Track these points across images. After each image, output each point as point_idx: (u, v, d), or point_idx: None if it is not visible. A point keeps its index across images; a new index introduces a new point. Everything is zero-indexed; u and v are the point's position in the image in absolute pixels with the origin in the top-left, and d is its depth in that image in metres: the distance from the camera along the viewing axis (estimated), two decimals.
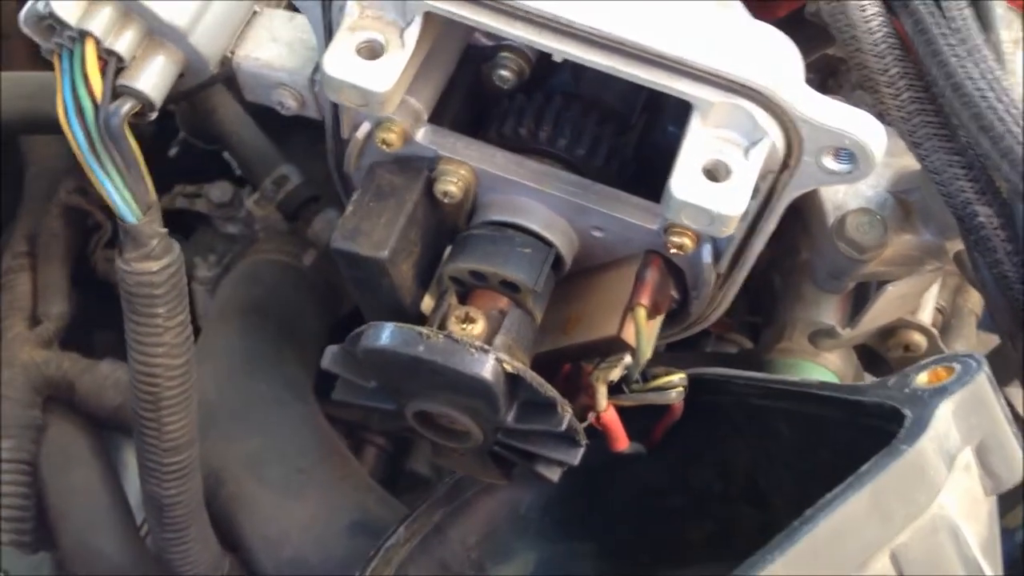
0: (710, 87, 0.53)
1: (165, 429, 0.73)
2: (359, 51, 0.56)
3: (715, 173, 0.54)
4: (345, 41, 0.56)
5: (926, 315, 0.75)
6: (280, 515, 0.87)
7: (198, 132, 1.18)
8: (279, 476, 0.88)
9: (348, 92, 0.56)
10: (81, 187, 1.24)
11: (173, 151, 1.27)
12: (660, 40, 0.53)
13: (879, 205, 0.70)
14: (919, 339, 0.74)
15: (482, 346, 0.58)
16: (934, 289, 0.76)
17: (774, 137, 0.54)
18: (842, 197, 0.71)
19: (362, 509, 0.87)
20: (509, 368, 0.58)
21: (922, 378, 0.52)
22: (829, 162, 0.54)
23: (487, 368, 0.58)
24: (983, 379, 0.50)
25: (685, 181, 0.54)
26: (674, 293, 0.70)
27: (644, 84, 0.54)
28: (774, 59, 0.55)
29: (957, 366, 0.51)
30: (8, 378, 1.04)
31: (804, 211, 0.73)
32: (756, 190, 0.57)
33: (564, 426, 0.60)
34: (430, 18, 0.56)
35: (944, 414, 0.48)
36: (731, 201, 0.53)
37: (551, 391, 0.60)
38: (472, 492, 0.74)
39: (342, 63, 0.55)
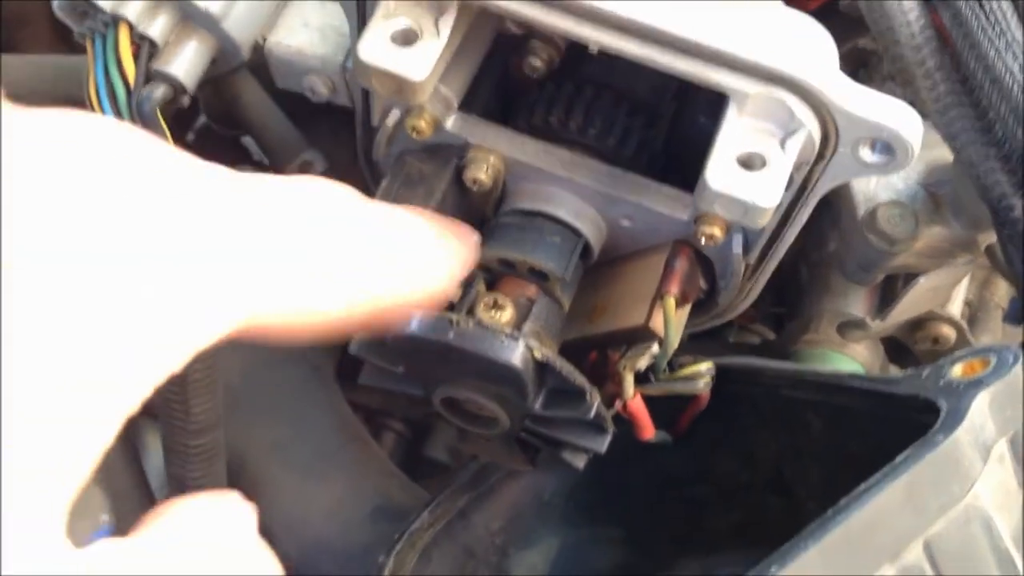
0: (747, 78, 0.53)
1: (191, 411, 0.74)
2: (394, 38, 0.56)
3: (750, 164, 0.54)
4: (380, 28, 0.56)
5: (955, 308, 0.75)
6: (303, 499, 0.88)
7: (222, 118, 1.19)
8: (302, 461, 0.89)
9: (382, 79, 0.56)
10: None
11: (190, 137, 1.27)
12: (697, 31, 0.53)
13: (910, 198, 0.70)
14: (948, 332, 0.74)
15: (512, 333, 0.58)
16: (964, 282, 0.76)
17: (811, 128, 0.54)
18: (873, 189, 0.71)
19: (384, 495, 0.88)
20: (538, 355, 0.58)
21: (957, 370, 0.52)
22: (866, 154, 0.54)
23: (517, 355, 0.58)
24: (1019, 371, 0.50)
25: (721, 171, 0.54)
26: (702, 283, 0.70)
27: (680, 75, 0.54)
28: (811, 49, 0.55)
29: (993, 358, 0.51)
30: None
31: (834, 203, 0.74)
32: (791, 181, 0.57)
33: (592, 414, 0.60)
34: (465, 7, 0.56)
35: (980, 406, 0.48)
36: (767, 192, 0.53)
37: (580, 378, 0.60)
38: (496, 478, 0.74)
39: (377, 50, 0.55)
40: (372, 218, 0.44)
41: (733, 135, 0.54)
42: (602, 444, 0.63)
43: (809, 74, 0.52)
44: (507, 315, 0.63)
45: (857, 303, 0.74)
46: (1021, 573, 0.50)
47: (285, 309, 0.38)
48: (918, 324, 0.74)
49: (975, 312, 0.84)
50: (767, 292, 0.93)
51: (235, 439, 0.92)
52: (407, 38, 0.56)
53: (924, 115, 0.60)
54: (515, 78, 0.72)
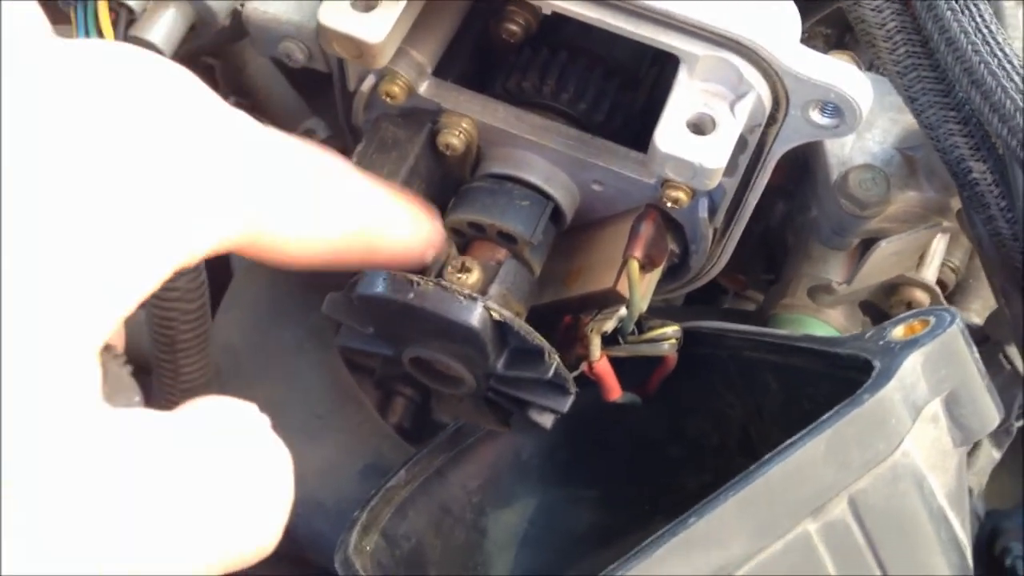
0: (696, 40, 0.54)
1: (181, 371, 0.76)
2: (354, 4, 0.57)
3: (701, 126, 0.55)
4: None
5: (930, 272, 0.75)
6: (297, 458, 0.89)
7: (233, 87, 1.21)
8: (297, 421, 0.91)
9: (342, 43, 0.57)
10: None
11: None
12: None
13: (884, 161, 0.70)
14: (922, 296, 0.74)
15: (470, 294, 0.60)
16: (940, 246, 0.76)
17: (760, 91, 0.54)
18: (848, 153, 0.71)
19: (376, 454, 0.90)
20: (496, 316, 0.60)
21: (898, 331, 0.52)
22: (816, 116, 0.55)
23: (475, 315, 0.59)
24: (955, 332, 0.50)
25: (670, 134, 0.55)
26: (674, 247, 0.71)
27: (631, 37, 0.55)
28: (764, 14, 0.55)
29: (932, 319, 0.51)
30: None
31: (811, 167, 0.74)
32: (745, 144, 0.58)
33: (551, 373, 0.61)
34: None
35: (911, 365, 0.49)
36: (714, 154, 0.54)
37: (538, 339, 0.61)
38: (474, 438, 0.76)
39: (337, 14, 0.57)
40: (357, 178, 0.49)
41: (684, 98, 0.55)
42: (564, 404, 0.64)
43: (757, 37, 0.53)
44: (474, 277, 0.64)
45: (835, 268, 0.75)
46: (957, 531, 0.51)
47: (276, 231, 0.42)
48: (892, 289, 0.74)
49: (964, 279, 0.84)
50: (758, 259, 0.94)
51: (236, 397, 0.95)
52: (367, 3, 0.58)
53: (888, 77, 0.60)
54: (494, 43, 0.73)
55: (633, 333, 0.69)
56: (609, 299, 0.68)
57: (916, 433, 0.49)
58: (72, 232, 0.35)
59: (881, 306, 0.76)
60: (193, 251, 0.39)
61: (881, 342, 0.52)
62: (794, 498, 0.46)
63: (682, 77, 0.55)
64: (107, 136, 0.36)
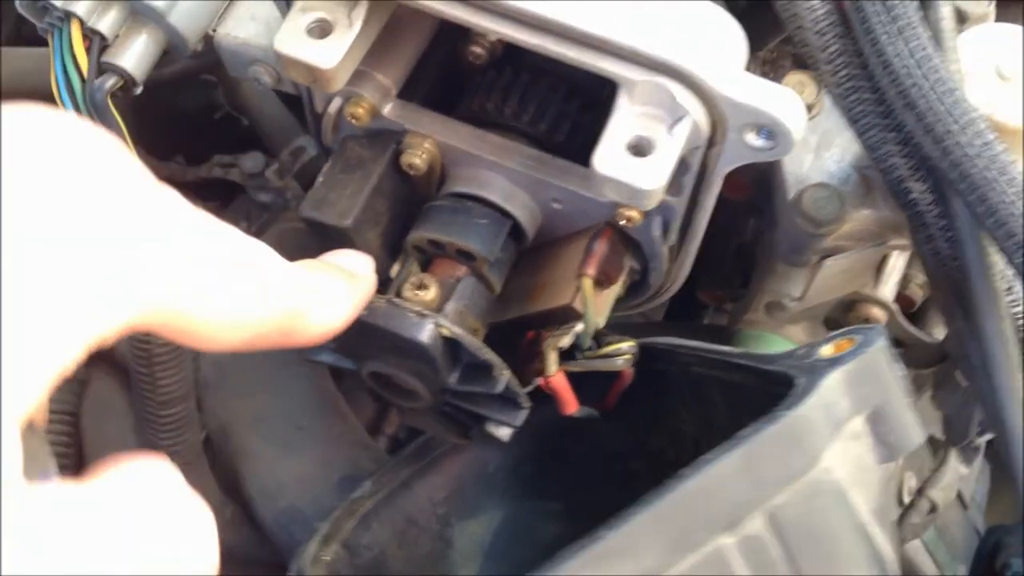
0: (633, 66, 0.55)
1: (158, 384, 0.79)
2: (310, 30, 0.59)
3: (640, 149, 0.56)
4: (296, 20, 0.59)
5: (887, 290, 0.75)
6: (278, 468, 0.92)
7: (231, 103, 1.24)
8: (279, 432, 0.93)
9: (297, 68, 0.59)
10: None
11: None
12: (584, 20, 0.55)
13: (841, 180, 0.71)
14: (878, 313, 0.75)
15: (421, 311, 0.62)
16: (899, 264, 0.77)
17: (696, 115, 0.55)
18: (805, 171, 0.72)
19: (355, 465, 0.92)
20: (446, 332, 0.61)
21: (826, 349, 0.53)
22: (752, 139, 0.56)
23: (424, 332, 0.61)
24: (878, 350, 0.51)
25: (608, 156, 0.56)
26: (634, 265, 0.72)
27: (572, 63, 0.57)
28: (703, 39, 0.57)
29: (859, 338, 0.53)
30: None
31: (772, 185, 0.75)
32: (687, 165, 0.59)
33: (500, 388, 0.63)
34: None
35: (832, 383, 0.50)
36: (651, 176, 0.55)
37: (488, 354, 0.63)
38: (440, 451, 0.77)
39: (292, 40, 0.59)
40: (278, 265, 0.48)
41: (623, 121, 0.56)
42: (516, 418, 0.66)
43: (691, 64, 0.54)
44: (431, 294, 0.66)
45: (796, 285, 0.75)
46: (880, 547, 0.52)
47: (192, 314, 0.41)
48: (850, 306, 0.75)
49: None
50: (736, 275, 0.95)
51: (221, 410, 0.98)
52: (323, 30, 0.60)
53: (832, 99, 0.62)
54: (462, 66, 0.75)
55: (591, 348, 0.70)
56: (567, 315, 0.69)
57: (838, 450, 0.50)
58: None
59: (841, 323, 0.77)
60: (103, 330, 0.37)
61: (808, 360, 0.53)
62: (709, 513, 0.47)
63: (622, 101, 0.56)
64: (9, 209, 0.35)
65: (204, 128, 1.36)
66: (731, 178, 0.82)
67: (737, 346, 0.78)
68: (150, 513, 0.39)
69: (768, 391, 0.54)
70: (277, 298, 0.47)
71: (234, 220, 1.25)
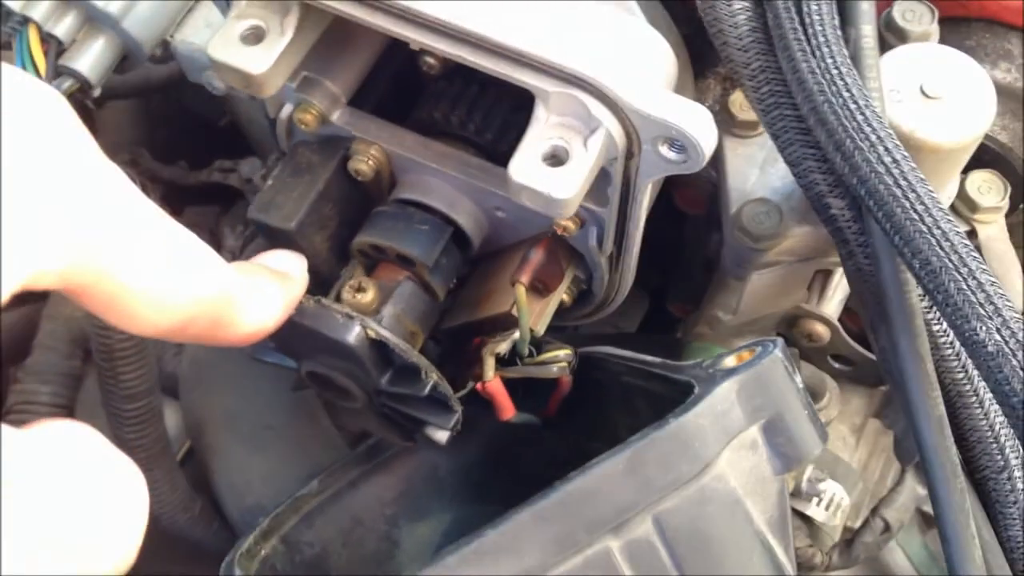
0: (547, 77, 0.56)
1: (120, 378, 0.81)
2: (244, 37, 0.61)
3: (556, 157, 0.57)
4: (230, 27, 0.61)
5: (831, 306, 0.75)
6: (245, 466, 0.94)
7: (225, 107, 1.27)
8: (249, 431, 0.95)
9: (230, 74, 0.61)
10: (134, 158, 1.35)
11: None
12: (500, 33, 0.56)
13: (785, 196, 0.71)
14: (821, 330, 0.75)
15: (349, 312, 0.63)
16: (841, 282, 0.77)
17: (610, 126, 0.56)
18: (750, 187, 0.72)
19: (321, 466, 0.93)
20: (372, 334, 0.63)
21: (730, 360, 0.54)
22: (666, 151, 0.57)
23: (351, 334, 0.62)
24: (772, 361, 0.52)
25: (524, 165, 0.57)
26: (580, 274, 0.73)
27: (489, 73, 0.58)
28: (622, 55, 0.58)
29: (758, 349, 0.53)
30: (50, 330, 1.15)
31: (719, 200, 0.75)
32: (608, 176, 0.60)
33: (427, 390, 0.64)
34: (311, 7, 0.61)
35: (723, 392, 0.50)
36: (564, 185, 0.57)
37: (415, 357, 0.64)
38: (390, 453, 0.79)
39: (224, 47, 0.61)
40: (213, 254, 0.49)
41: (539, 131, 0.58)
42: (448, 421, 0.67)
43: (602, 76, 0.55)
44: (368, 297, 0.67)
45: (735, 299, 0.76)
46: (779, 556, 0.52)
47: (120, 279, 0.43)
48: (793, 321, 0.75)
49: None
50: (704, 288, 0.95)
51: (196, 407, 1.00)
52: (257, 36, 0.62)
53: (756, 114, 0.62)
54: (418, 75, 0.77)
55: (531, 355, 0.71)
56: (506, 322, 0.71)
57: (731, 459, 0.51)
58: None
59: (787, 338, 0.77)
60: (27, 273, 0.39)
61: (711, 370, 0.53)
62: (593, 513, 0.48)
63: (539, 112, 0.57)
64: None
65: (210, 134, 1.40)
66: (686, 192, 0.83)
67: (686, 358, 0.79)
68: (87, 456, 0.41)
69: (679, 399, 0.54)
70: (205, 286, 0.48)
71: (232, 225, 1.28)
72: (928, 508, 1.03)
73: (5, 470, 0.37)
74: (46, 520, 0.38)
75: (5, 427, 0.39)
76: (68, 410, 1.14)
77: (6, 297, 0.39)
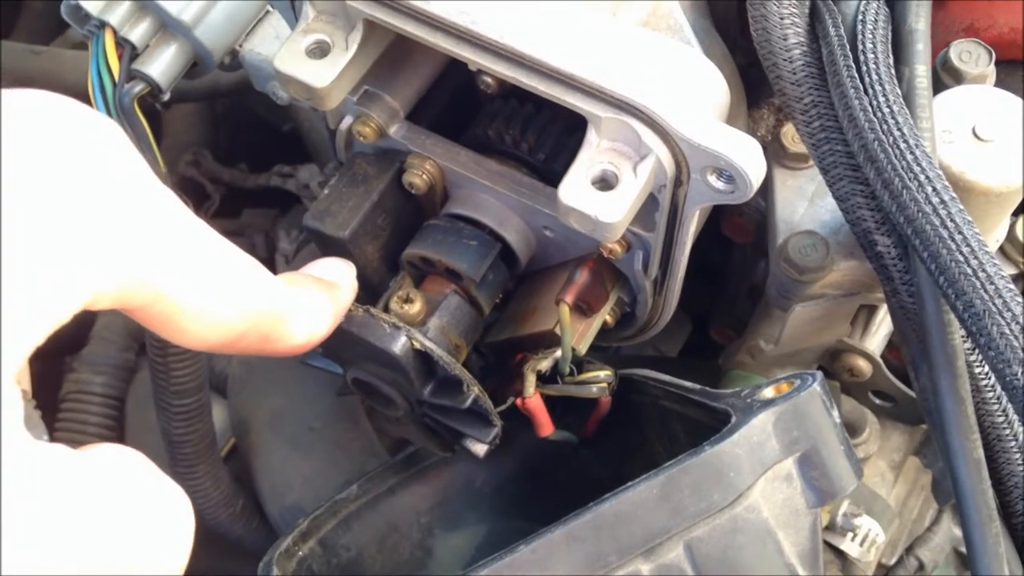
0: (600, 103, 0.57)
1: (172, 375, 0.83)
2: (310, 51, 0.63)
3: (605, 181, 0.59)
4: (296, 41, 0.63)
5: (874, 342, 0.75)
6: (288, 467, 0.96)
7: (289, 114, 1.30)
8: (292, 432, 0.97)
9: (294, 85, 0.63)
10: (197, 160, 1.39)
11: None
12: (556, 57, 0.57)
13: (833, 230, 0.71)
14: (863, 365, 0.75)
15: (396, 323, 0.64)
16: (887, 318, 0.77)
17: (660, 154, 0.57)
18: (798, 219, 0.73)
19: (361, 470, 0.95)
20: (418, 345, 0.64)
21: (768, 391, 0.54)
22: (714, 181, 0.57)
23: (397, 344, 0.64)
24: (811, 395, 0.52)
25: (573, 187, 0.58)
26: (624, 296, 0.74)
27: (544, 96, 0.59)
28: (676, 84, 0.58)
29: (796, 381, 0.54)
30: (107, 322, 1.18)
31: (767, 229, 0.76)
32: (656, 202, 0.61)
33: (468, 403, 0.65)
34: (375, 25, 0.63)
35: (760, 423, 0.51)
36: (612, 209, 0.57)
37: (458, 369, 0.65)
38: (429, 463, 0.80)
39: (290, 60, 0.63)
40: (263, 271, 0.51)
41: (590, 155, 0.59)
42: (487, 435, 0.68)
43: (654, 104, 0.56)
44: (415, 308, 0.69)
45: (777, 329, 0.76)
46: None
47: (175, 299, 0.45)
48: (836, 355, 0.75)
49: None
50: (747, 315, 0.96)
51: (243, 407, 1.02)
52: (322, 50, 0.63)
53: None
54: (476, 94, 0.78)
55: (572, 374, 0.72)
56: (549, 340, 0.72)
57: (765, 490, 0.51)
58: None
59: (829, 371, 0.77)
60: (91, 294, 0.41)
61: (749, 399, 0.54)
62: (624, 536, 0.49)
63: (590, 136, 0.58)
64: (10, 183, 0.39)
65: (271, 139, 1.43)
66: (734, 221, 0.84)
67: (725, 386, 0.79)
68: (137, 481, 0.43)
69: (715, 427, 0.55)
70: (255, 302, 0.50)
71: (287, 228, 1.31)
72: (964, 549, 1.02)
73: (59, 491, 0.39)
74: (96, 542, 0.40)
75: (61, 447, 0.41)
76: (120, 401, 1.17)
77: (67, 319, 0.41)
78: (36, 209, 0.40)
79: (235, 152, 1.44)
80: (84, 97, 0.76)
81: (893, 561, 0.82)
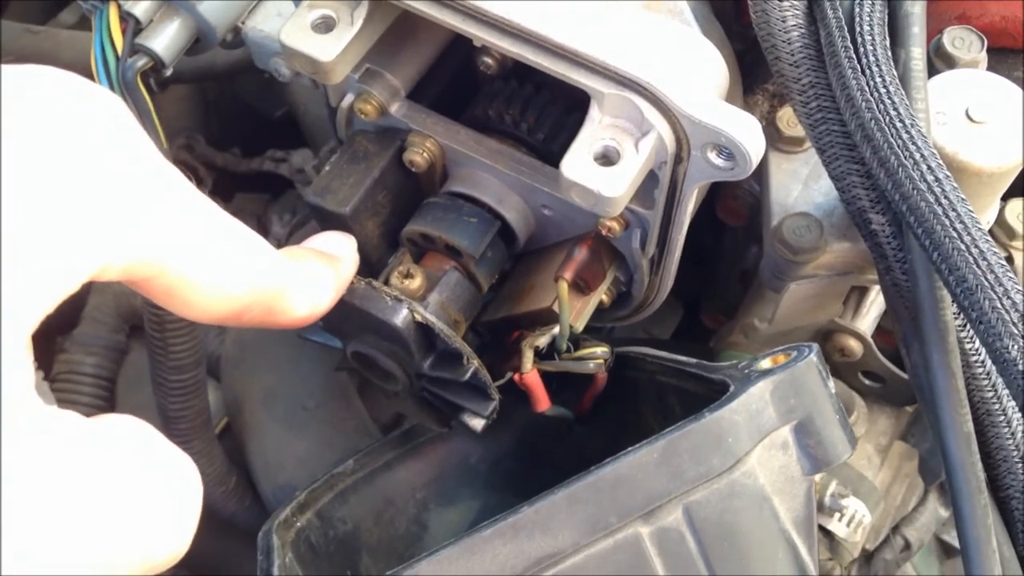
0: (603, 79, 0.59)
1: (170, 350, 0.84)
2: (315, 26, 0.64)
3: (606, 157, 0.60)
4: (302, 15, 0.64)
5: (865, 323, 0.77)
6: (281, 446, 0.97)
7: (285, 100, 1.31)
8: (285, 411, 0.98)
9: (300, 59, 0.64)
10: (190, 144, 1.39)
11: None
12: (561, 34, 0.58)
13: (826, 212, 0.72)
14: (854, 345, 0.76)
15: (398, 296, 0.65)
16: (880, 299, 0.78)
17: (661, 130, 0.58)
18: (792, 201, 0.74)
19: (353, 450, 0.95)
20: (419, 318, 0.65)
21: (765, 362, 0.56)
22: (714, 158, 0.58)
23: (399, 316, 0.65)
24: (807, 364, 0.53)
25: (576, 162, 0.59)
26: (620, 276, 0.75)
27: (548, 72, 0.60)
28: (677, 63, 0.60)
29: (793, 353, 0.55)
30: (98, 303, 1.18)
31: (762, 212, 0.77)
32: (656, 179, 0.62)
33: (468, 376, 0.66)
34: (380, 1, 0.64)
35: (758, 391, 0.52)
36: (614, 184, 0.59)
37: (458, 343, 0.66)
38: (425, 439, 0.81)
39: (295, 34, 0.63)
40: (268, 247, 0.52)
41: (593, 130, 0.60)
42: (486, 408, 0.69)
43: (657, 81, 0.57)
44: (416, 283, 0.70)
45: (771, 309, 0.77)
46: (802, 555, 0.54)
47: (183, 272, 0.45)
48: (827, 335, 0.77)
49: None
50: (738, 300, 0.97)
51: (236, 386, 1.03)
52: (327, 25, 0.64)
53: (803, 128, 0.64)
54: (475, 74, 0.79)
55: (569, 351, 0.73)
56: (547, 317, 0.73)
57: (762, 456, 0.52)
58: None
59: (821, 350, 0.78)
60: (99, 265, 0.41)
61: (747, 371, 0.55)
62: (624, 499, 0.50)
63: (593, 112, 0.60)
64: (13, 153, 0.40)
65: (262, 125, 1.43)
66: (728, 204, 0.85)
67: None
68: (149, 450, 0.43)
69: (713, 398, 0.56)
70: (260, 276, 0.51)
71: (280, 213, 1.32)
72: (947, 537, 1.04)
73: (74, 457, 0.39)
74: (109, 510, 0.40)
75: (74, 414, 0.41)
76: (111, 382, 1.17)
77: (76, 288, 0.41)
78: (49, 181, 0.40)
79: (226, 138, 1.44)
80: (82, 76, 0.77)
81: (875, 546, 0.84)
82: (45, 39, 1.13)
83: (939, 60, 0.69)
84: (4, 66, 0.43)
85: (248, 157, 1.37)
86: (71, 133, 0.42)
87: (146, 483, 0.42)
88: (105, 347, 1.19)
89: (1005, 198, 0.71)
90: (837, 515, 0.86)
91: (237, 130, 1.46)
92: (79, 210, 0.41)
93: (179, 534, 0.43)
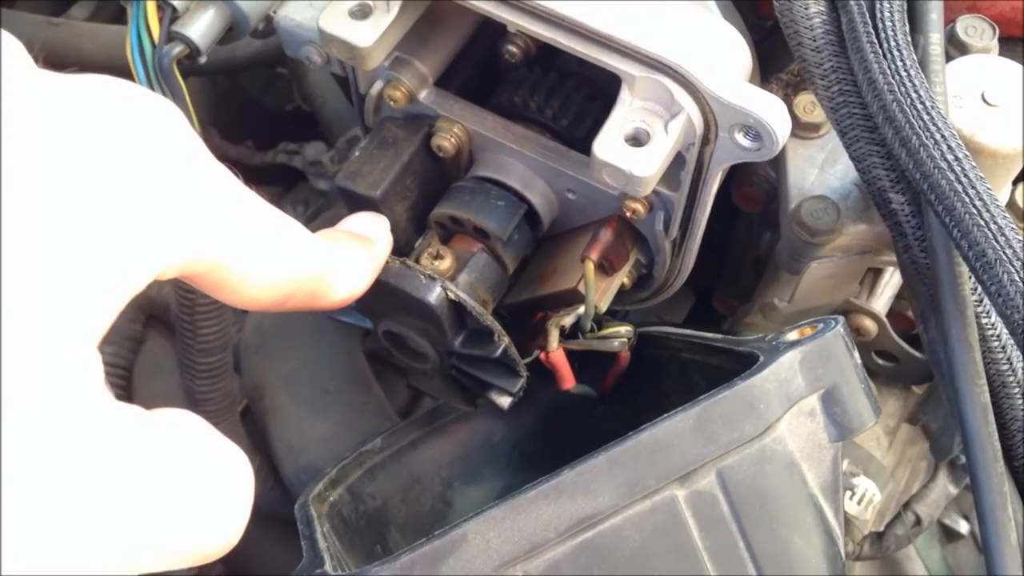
0: (634, 62, 0.61)
1: (199, 333, 0.86)
2: (352, 13, 0.66)
3: (637, 139, 0.62)
4: (340, 2, 0.66)
5: (880, 303, 0.79)
6: (303, 429, 0.99)
7: (299, 92, 1.33)
8: (308, 395, 1.00)
9: (337, 45, 0.66)
10: (204, 136, 1.41)
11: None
12: (593, 18, 0.61)
13: (842, 195, 0.75)
14: (869, 324, 0.78)
15: (431, 274, 0.67)
16: (894, 280, 0.80)
17: (690, 112, 0.61)
18: (809, 185, 0.76)
19: (374, 433, 0.97)
20: (452, 296, 0.67)
21: (792, 334, 0.58)
22: (741, 139, 0.61)
23: (433, 294, 0.67)
24: (835, 335, 0.56)
25: (607, 143, 0.62)
26: (640, 258, 0.78)
27: (581, 56, 0.62)
28: (705, 47, 0.62)
29: (820, 325, 0.57)
30: None
31: (779, 197, 0.79)
32: (683, 160, 0.65)
33: (499, 353, 0.68)
34: None
35: (788, 361, 0.54)
36: (645, 164, 0.61)
37: (490, 320, 0.68)
38: (449, 419, 0.83)
39: (333, 20, 0.65)
40: (309, 235, 0.54)
41: (624, 112, 0.62)
42: (514, 385, 0.71)
43: (686, 63, 0.59)
44: (445, 264, 0.72)
45: (790, 289, 0.79)
46: (829, 519, 0.56)
47: (233, 267, 0.47)
48: (843, 315, 0.79)
49: None
50: (751, 286, 0.99)
51: (257, 371, 1.05)
52: (364, 12, 0.66)
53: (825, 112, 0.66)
54: (500, 62, 0.81)
55: (592, 331, 0.76)
56: (572, 298, 0.75)
57: (791, 423, 0.54)
58: (69, 236, 0.39)
59: None
60: (161, 265, 0.43)
61: (775, 343, 0.57)
62: (662, 463, 0.52)
63: (624, 95, 0.62)
64: (84, 162, 0.41)
65: (271, 119, 1.45)
66: (744, 190, 0.87)
67: None
68: (206, 445, 0.44)
69: (740, 371, 0.58)
70: (304, 265, 0.53)
71: (293, 204, 1.34)
72: (950, 522, 1.07)
73: (140, 450, 0.40)
74: (170, 504, 0.41)
75: (138, 408, 0.42)
76: (128, 371, 1.19)
77: (142, 288, 0.42)
78: (119, 189, 0.42)
79: (235, 132, 1.46)
80: (102, 67, 0.79)
81: (882, 528, 0.86)
82: (66, 31, 1.15)
83: (952, 47, 0.72)
84: (71, 76, 0.44)
85: (261, 150, 1.39)
86: (137, 140, 0.44)
87: (205, 476, 0.43)
88: (122, 336, 1.21)
89: (1016, 181, 0.73)
90: (848, 493, 0.88)
91: (246, 124, 1.48)
92: (147, 213, 0.43)
93: (233, 526, 0.44)
